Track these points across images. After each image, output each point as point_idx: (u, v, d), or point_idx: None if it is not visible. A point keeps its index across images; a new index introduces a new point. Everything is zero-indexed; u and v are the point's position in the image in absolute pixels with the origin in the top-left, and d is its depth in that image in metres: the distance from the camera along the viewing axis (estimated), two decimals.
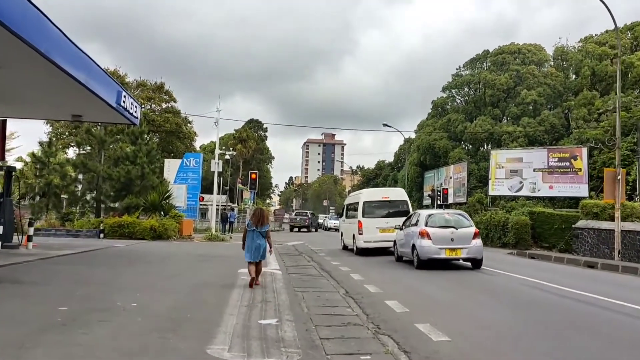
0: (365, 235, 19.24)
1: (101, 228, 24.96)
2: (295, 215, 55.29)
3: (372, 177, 67.11)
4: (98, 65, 13.61)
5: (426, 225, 14.08)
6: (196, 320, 6.86)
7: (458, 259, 14.29)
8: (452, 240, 13.77)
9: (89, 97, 13.88)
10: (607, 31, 48.33)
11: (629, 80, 41.35)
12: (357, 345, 6.10)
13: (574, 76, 47.33)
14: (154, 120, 47.43)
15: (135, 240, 24.16)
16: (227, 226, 39.17)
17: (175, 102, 50.49)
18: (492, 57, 48.63)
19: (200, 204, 45.41)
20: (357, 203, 20.14)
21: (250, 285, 9.94)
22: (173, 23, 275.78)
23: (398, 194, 20.81)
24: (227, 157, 41.95)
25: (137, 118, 17.92)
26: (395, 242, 16.87)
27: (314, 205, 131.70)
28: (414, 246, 14.22)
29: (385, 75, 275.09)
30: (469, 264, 14.59)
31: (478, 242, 14.05)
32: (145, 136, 29.02)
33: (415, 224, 14.69)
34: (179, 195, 30.69)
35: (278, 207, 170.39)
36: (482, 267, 14.35)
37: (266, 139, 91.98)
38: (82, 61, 12.34)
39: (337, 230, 54.77)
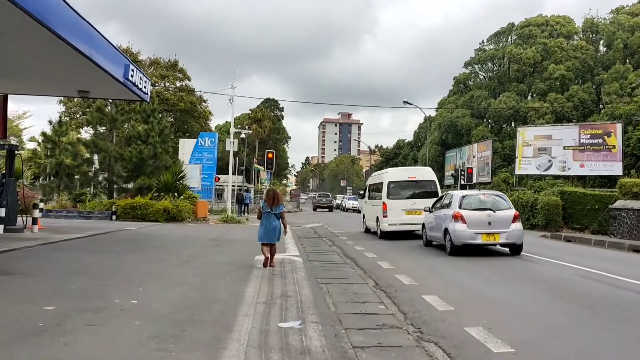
0: (390, 217, 18.04)
1: (113, 210, 24.09)
2: (319, 196, 60.70)
3: (392, 157, 65.47)
4: (103, 36, 12.52)
5: (460, 207, 12.80)
6: (205, 323, 5.75)
7: (495, 245, 13.03)
8: (489, 224, 12.48)
9: (94, 71, 12.89)
10: (639, 2, 45.99)
11: None
12: (398, 356, 4.98)
13: (604, 49, 45.14)
14: (167, 99, 46.34)
15: (148, 222, 23.27)
16: (243, 207, 38.24)
17: (189, 80, 49.31)
18: (517, 30, 46.47)
19: (216, 185, 44.45)
20: (381, 183, 18.91)
21: (265, 265, 9.96)
22: (190, 1, 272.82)
23: (425, 173, 19.50)
24: (243, 135, 40.79)
25: (147, 94, 16.91)
26: (423, 225, 15.63)
27: (331, 185, 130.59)
28: (446, 230, 12.98)
29: (405, 54, 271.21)
30: (506, 249, 13.33)
31: (518, 225, 12.75)
32: (158, 114, 27.92)
33: (448, 206, 13.42)
34: (193, 176, 29.69)
35: (294, 187, 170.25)
36: (521, 253, 13.09)
37: (282, 119, 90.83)
38: (83, 30, 11.24)
39: (355, 211, 54.05)
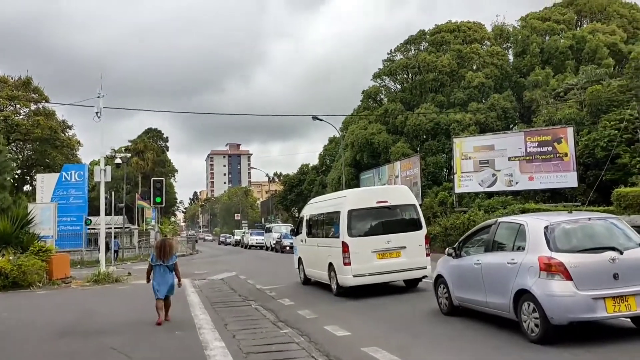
0: (356, 265, 11.57)
1: None
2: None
3: (296, 184, 59.05)
4: None
5: (551, 248, 6.62)
6: None
7: (631, 317, 6.78)
8: (614, 277, 6.39)
9: None
10: (546, 8, 44.49)
11: (583, 54, 37.12)
12: None
13: (512, 58, 42.72)
14: (18, 125, 36.72)
15: None
16: (114, 255, 29.96)
17: (47, 101, 39.68)
18: (429, 38, 42.77)
19: (89, 229, 35.88)
20: (337, 213, 12.30)
21: (159, 324, 9.11)
22: (74, 37, 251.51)
23: (401, 194, 12.99)
24: (118, 161, 32.41)
25: None
26: (439, 277, 9.16)
27: (225, 220, 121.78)
28: (522, 293, 6.69)
29: (296, 84, 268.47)
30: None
31: None
32: None
33: (517, 248, 7.16)
34: (46, 220, 21.20)
35: (183, 224, 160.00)
36: None
37: (167, 150, 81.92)
38: None
39: (261, 247, 46.87)
